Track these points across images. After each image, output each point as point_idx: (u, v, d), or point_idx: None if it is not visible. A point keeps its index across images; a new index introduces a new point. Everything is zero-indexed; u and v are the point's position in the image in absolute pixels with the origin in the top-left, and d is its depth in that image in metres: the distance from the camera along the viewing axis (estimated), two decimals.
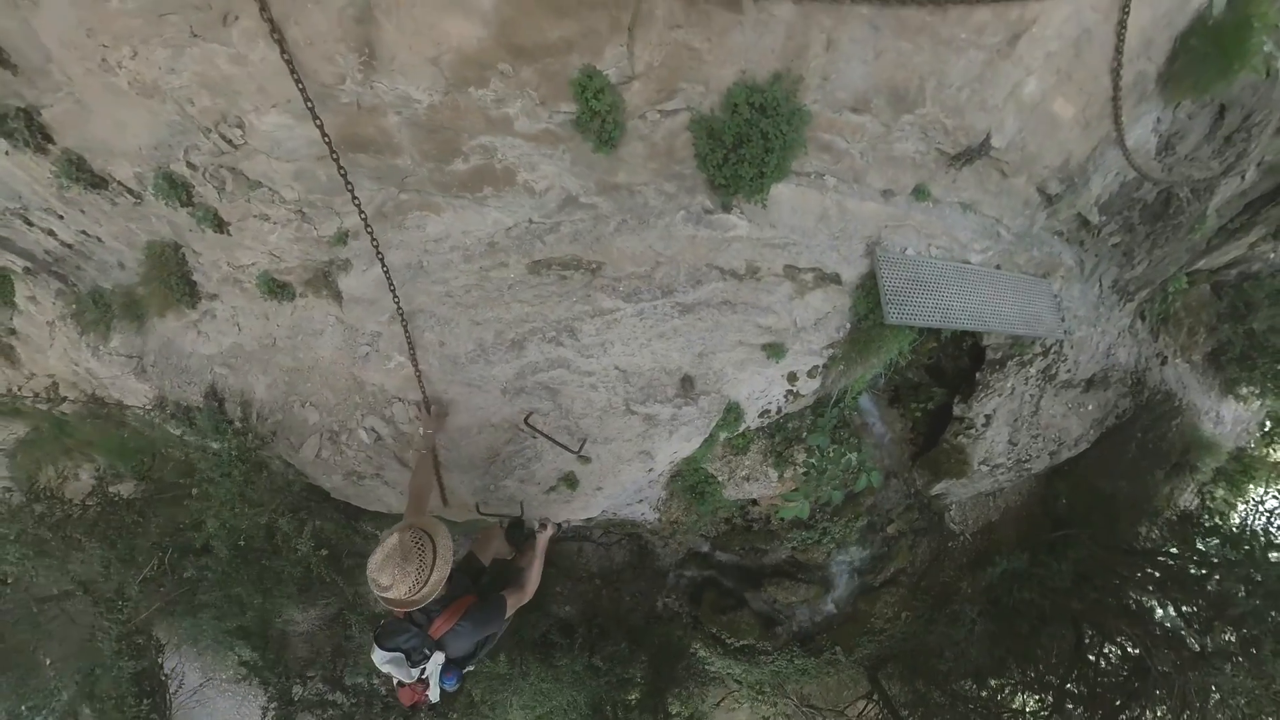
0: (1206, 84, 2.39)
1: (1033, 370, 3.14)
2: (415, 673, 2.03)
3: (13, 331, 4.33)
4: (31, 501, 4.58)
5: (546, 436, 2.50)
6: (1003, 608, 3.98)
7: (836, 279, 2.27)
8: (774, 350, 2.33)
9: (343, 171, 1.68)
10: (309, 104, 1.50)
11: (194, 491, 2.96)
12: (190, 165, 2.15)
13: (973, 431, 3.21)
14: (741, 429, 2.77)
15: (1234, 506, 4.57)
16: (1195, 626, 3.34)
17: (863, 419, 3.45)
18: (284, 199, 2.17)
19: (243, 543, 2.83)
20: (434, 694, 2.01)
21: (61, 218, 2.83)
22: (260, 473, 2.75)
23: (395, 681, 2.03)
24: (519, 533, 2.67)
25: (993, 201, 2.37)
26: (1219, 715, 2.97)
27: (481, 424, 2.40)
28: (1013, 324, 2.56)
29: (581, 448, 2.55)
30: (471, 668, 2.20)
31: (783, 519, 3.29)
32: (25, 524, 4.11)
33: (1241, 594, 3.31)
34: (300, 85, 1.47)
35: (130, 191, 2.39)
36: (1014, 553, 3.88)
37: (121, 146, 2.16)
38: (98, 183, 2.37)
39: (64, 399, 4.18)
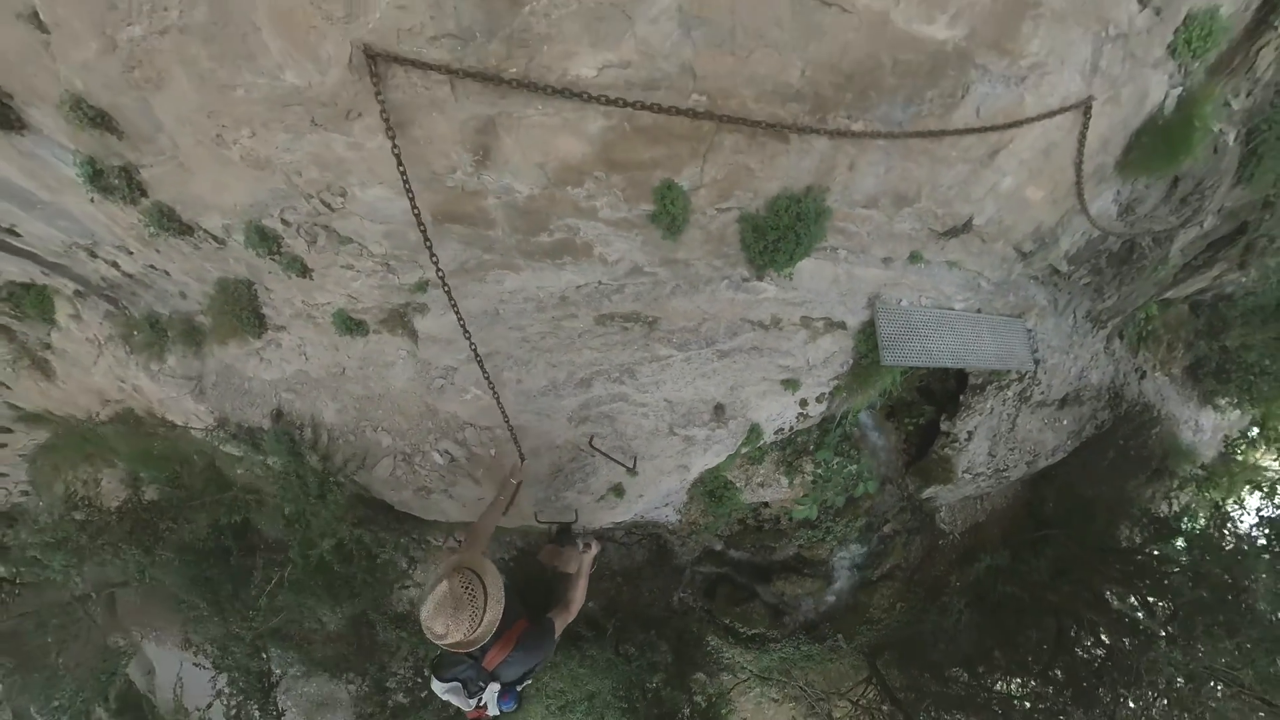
0: (1157, 168, 2.97)
1: (1009, 393, 3.70)
2: (473, 702, 2.10)
3: (48, 346, 4.64)
4: (70, 510, 5.00)
5: (606, 455, 3.00)
6: (988, 600, 4.54)
7: (843, 325, 2.82)
8: (791, 384, 2.88)
9: (428, 243, 1.85)
10: (409, 191, 1.70)
11: (286, 511, 3.29)
12: (284, 221, 2.42)
13: (957, 445, 3.77)
14: (759, 444, 3.29)
15: (1199, 511, 5.14)
16: (1155, 615, 3.90)
17: (863, 432, 4.00)
18: (372, 253, 2.52)
19: (327, 556, 3.21)
20: (493, 712, 2.13)
21: (131, 254, 3.08)
22: (340, 491, 3.14)
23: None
24: (566, 536, 3.10)
25: (975, 260, 2.91)
26: (1162, 689, 3.54)
27: (549, 445, 2.90)
28: (988, 360, 3.11)
29: (634, 465, 3.04)
30: (527, 683, 2.30)
31: (792, 519, 3.83)
32: (68, 532, 4.44)
33: (1190, 586, 3.88)
34: (405, 177, 1.67)
35: (215, 238, 2.64)
36: (998, 550, 4.45)
37: (217, 203, 2.40)
38: (184, 230, 2.61)
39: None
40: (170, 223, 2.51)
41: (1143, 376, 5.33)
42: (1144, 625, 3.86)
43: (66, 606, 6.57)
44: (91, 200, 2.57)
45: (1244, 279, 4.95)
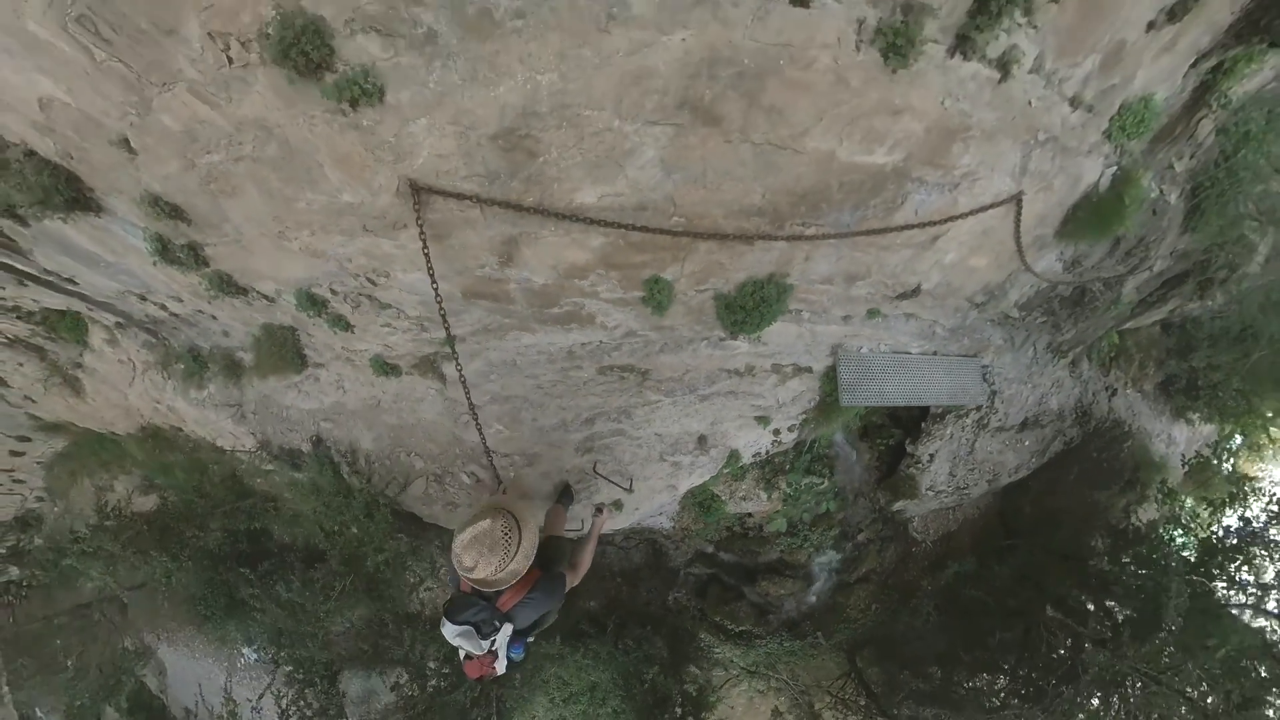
0: (1093, 237, 3.34)
1: (968, 421, 4.16)
2: (485, 644, 2.10)
3: (79, 365, 4.96)
4: (103, 520, 5.51)
5: (608, 479, 3.50)
6: (957, 604, 5.05)
7: (809, 370, 3.28)
8: (762, 420, 3.37)
9: (447, 326, 2.36)
10: (435, 289, 2.22)
11: (325, 527, 3.74)
12: (332, 291, 2.85)
13: (920, 466, 4.25)
14: (739, 465, 3.79)
15: (1168, 523, 5.58)
16: (1094, 621, 4.42)
17: (837, 451, 4.49)
18: (408, 315, 2.94)
19: (383, 569, 3.69)
20: (501, 665, 2.14)
21: (181, 301, 3.42)
22: (385, 511, 3.63)
23: (463, 655, 2.11)
24: (569, 497, 3.47)
25: (929, 312, 3.35)
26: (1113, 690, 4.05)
27: (559, 470, 3.41)
28: (941, 397, 3.57)
29: (631, 485, 3.54)
30: (533, 638, 2.34)
31: (768, 530, 4.34)
32: (103, 542, 4.90)
33: (1126, 595, 4.38)
34: (433, 278, 2.17)
35: (266, 298, 3.07)
36: (966, 558, 4.94)
37: (272, 274, 2.83)
38: (239, 292, 3.02)
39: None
40: (228, 286, 2.93)
41: (1113, 394, 5.77)
42: (1083, 631, 4.35)
43: (82, 610, 7.09)
44: (154, 264, 2.99)
45: (1210, 303, 5.37)
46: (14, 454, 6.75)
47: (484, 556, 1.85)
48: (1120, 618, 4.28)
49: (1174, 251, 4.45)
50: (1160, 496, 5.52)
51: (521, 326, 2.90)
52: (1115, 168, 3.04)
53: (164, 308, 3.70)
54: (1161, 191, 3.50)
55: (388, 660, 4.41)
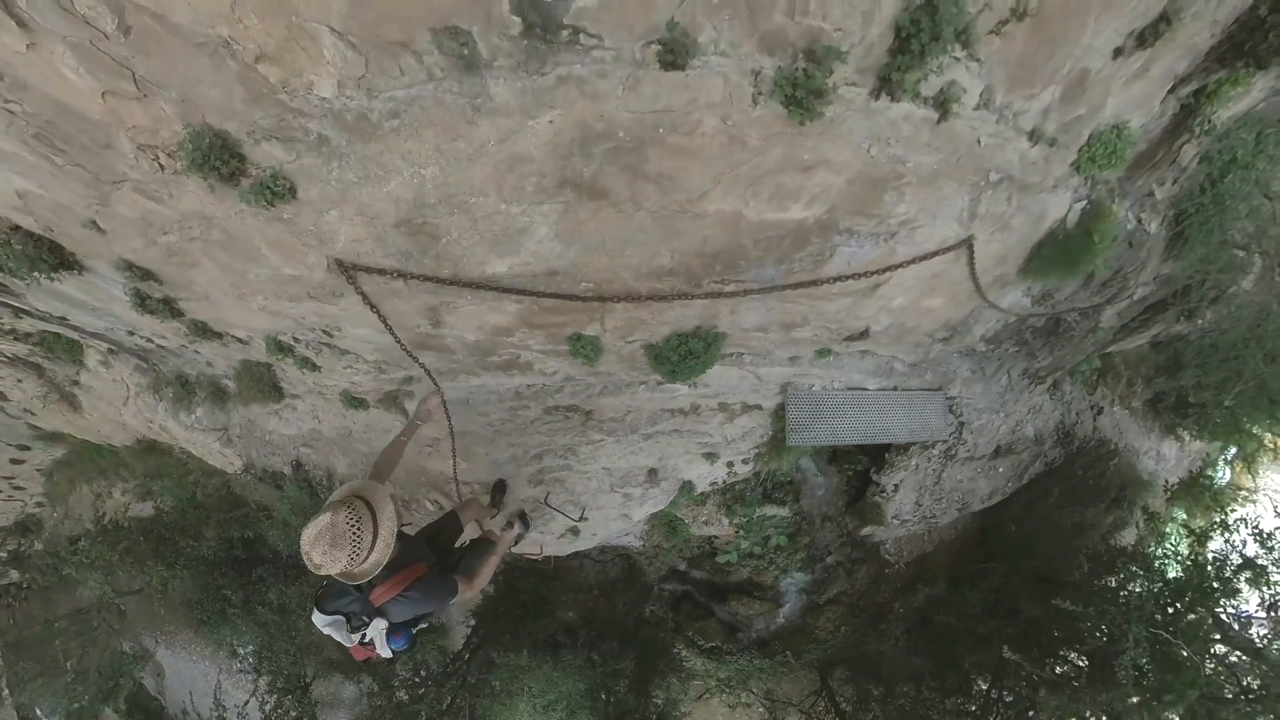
0: (1059, 277, 3.19)
1: (934, 452, 4.22)
2: (355, 638, 2.04)
3: (76, 383, 5.32)
4: (102, 531, 5.93)
5: (558, 510, 3.73)
6: (928, 627, 5.14)
7: (758, 407, 3.41)
8: (710, 457, 3.52)
9: (414, 356, 2.73)
10: (394, 336, 2.55)
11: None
12: (295, 339, 3.15)
13: (885, 495, 4.34)
14: (694, 495, 3.95)
15: (1143, 547, 5.55)
16: (1067, 660, 4.46)
17: (804, 476, 4.58)
18: (366, 360, 3.20)
19: None
20: (384, 652, 2.08)
21: (166, 339, 3.81)
22: None
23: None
24: (500, 496, 3.59)
25: (886, 349, 3.41)
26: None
27: (516, 500, 3.61)
28: (899, 435, 3.63)
29: (582, 515, 3.75)
30: (416, 630, 2.24)
31: (720, 561, 4.51)
32: (101, 552, 5.28)
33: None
34: (390, 330, 2.49)
35: (240, 341, 3.38)
36: (936, 581, 5.01)
37: (242, 324, 3.12)
38: (215, 336, 3.33)
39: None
40: (204, 332, 3.24)
41: (1099, 413, 5.70)
42: (1040, 675, 4.38)
43: (82, 614, 7.60)
44: (136, 312, 3.32)
45: (1199, 322, 5.25)
46: (14, 462, 7.29)
47: (329, 553, 1.73)
48: (1083, 661, 4.30)
49: (1157, 277, 4.36)
50: (1142, 520, 5.47)
51: (468, 371, 3.10)
52: (1085, 202, 2.95)
53: (151, 341, 4.04)
54: (1140, 221, 3.40)
55: (361, 669, 4.75)
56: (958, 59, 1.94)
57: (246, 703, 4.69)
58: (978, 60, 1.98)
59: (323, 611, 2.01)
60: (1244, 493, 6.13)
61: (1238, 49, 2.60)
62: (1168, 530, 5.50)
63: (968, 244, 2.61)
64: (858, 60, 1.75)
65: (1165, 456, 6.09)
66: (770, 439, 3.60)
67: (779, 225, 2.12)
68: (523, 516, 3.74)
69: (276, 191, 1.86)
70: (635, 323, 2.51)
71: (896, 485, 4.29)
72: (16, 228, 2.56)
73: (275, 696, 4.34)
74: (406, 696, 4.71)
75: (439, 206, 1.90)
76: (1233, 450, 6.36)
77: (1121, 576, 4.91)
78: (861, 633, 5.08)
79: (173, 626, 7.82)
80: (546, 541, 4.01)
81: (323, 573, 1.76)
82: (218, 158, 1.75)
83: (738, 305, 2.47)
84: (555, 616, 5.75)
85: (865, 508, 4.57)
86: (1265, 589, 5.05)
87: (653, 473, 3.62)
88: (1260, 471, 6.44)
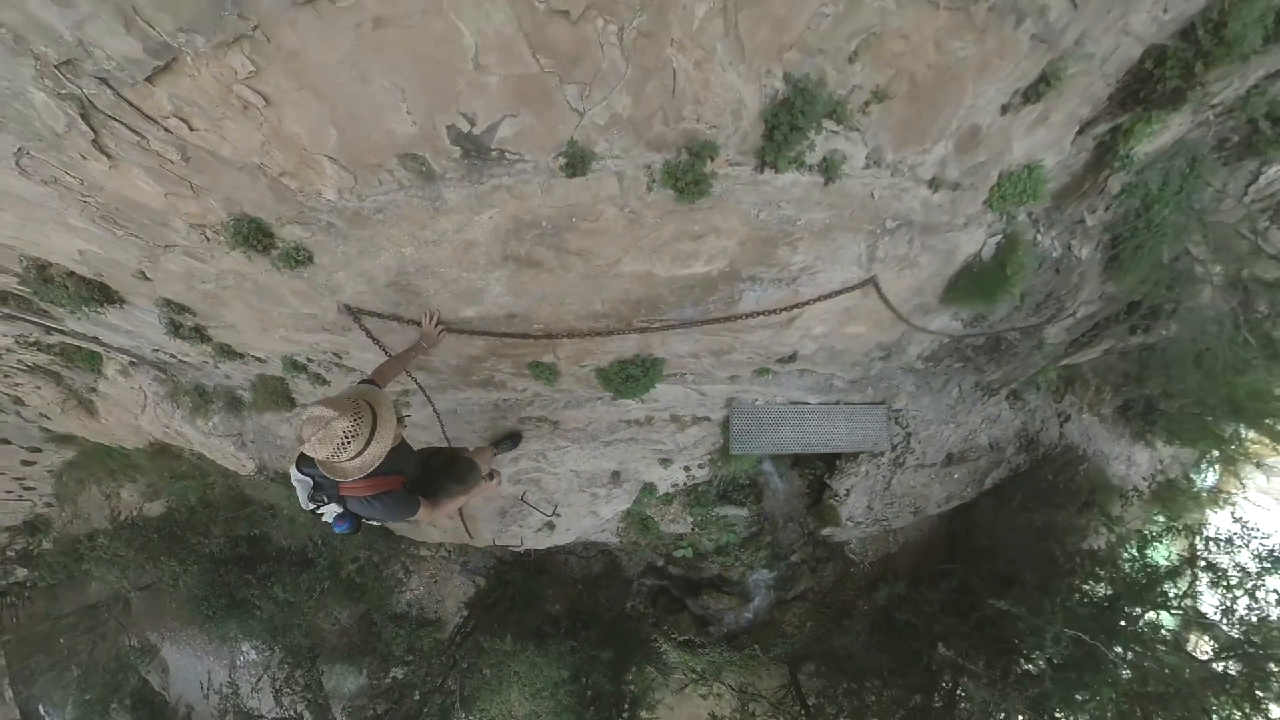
0: (979, 305, 3.60)
1: (883, 460, 4.85)
2: (311, 506, 2.35)
3: (93, 390, 6.03)
4: (118, 529, 6.76)
5: (533, 506, 4.47)
6: (892, 624, 5.79)
7: (707, 419, 4.09)
8: (665, 462, 4.22)
9: (410, 375, 3.51)
10: (413, 378, 3.32)
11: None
12: (309, 360, 3.91)
13: (838, 499, 4.98)
14: (660, 494, 4.65)
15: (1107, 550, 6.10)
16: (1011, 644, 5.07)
17: (766, 479, 5.25)
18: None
19: (356, 577, 4.81)
20: (328, 519, 2.37)
21: (190, 356, 4.62)
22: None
23: None
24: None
25: (823, 368, 4.04)
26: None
27: (497, 497, 4.36)
28: (839, 445, 4.27)
29: (554, 511, 4.49)
30: (374, 524, 2.49)
31: (676, 555, 5.22)
32: (118, 549, 6.08)
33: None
34: (390, 355, 3.23)
35: (259, 360, 4.15)
36: (895, 580, 5.65)
37: (262, 348, 3.89)
38: (237, 357, 4.10)
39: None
40: (228, 354, 4.02)
41: (1066, 420, 6.24)
42: (972, 668, 4.97)
43: (90, 610, 8.46)
44: (167, 335, 4.10)
45: (1165, 332, 5.75)
46: (25, 463, 7.95)
47: (315, 444, 2.01)
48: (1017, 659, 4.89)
49: (1102, 295, 4.89)
50: (1103, 524, 6.02)
51: (454, 387, 3.83)
52: (1000, 236, 3.28)
53: (174, 357, 4.84)
54: (1070, 248, 3.73)
55: (368, 653, 5.57)
56: (835, 132, 2.36)
57: (259, 679, 5.52)
58: (857, 130, 2.39)
59: (298, 470, 2.32)
60: (1225, 495, 6.62)
61: (1134, 96, 2.87)
62: (1124, 533, 6.03)
63: (872, 282, 3.10)
64: (736, 146, 2.25)
65: (1136, 462, 6.62)
66: (721, 447, 4.28)
67: (688, 278, 2.75)
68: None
69: (298, 259, 2.59)
70: (582, 353, 3.21)
71: (848, 490, 4.94)
72: (71, 274, 3.34)
73: (286, 670, 5.16)
74: (401, 674, 5.50)
75: (417, 273, 2.62)
76: (1215, 454, 6.83)
77: (1077, 579, 5.49)
78: (826, 628, 5.75)
79: (177, 623, 8.65)
80: (526, 535, 4.76)
81: (305, 449, 2.05)
82: (254, 236, 2.48)
83: (667, 338, 3.14)
84: (542, 609, 6.54)
85: (822, 510, 5.23)
86: (1225, 592, 5.60)
87: (616, 475, 4.34)
88: (1242, 475, 6.92)
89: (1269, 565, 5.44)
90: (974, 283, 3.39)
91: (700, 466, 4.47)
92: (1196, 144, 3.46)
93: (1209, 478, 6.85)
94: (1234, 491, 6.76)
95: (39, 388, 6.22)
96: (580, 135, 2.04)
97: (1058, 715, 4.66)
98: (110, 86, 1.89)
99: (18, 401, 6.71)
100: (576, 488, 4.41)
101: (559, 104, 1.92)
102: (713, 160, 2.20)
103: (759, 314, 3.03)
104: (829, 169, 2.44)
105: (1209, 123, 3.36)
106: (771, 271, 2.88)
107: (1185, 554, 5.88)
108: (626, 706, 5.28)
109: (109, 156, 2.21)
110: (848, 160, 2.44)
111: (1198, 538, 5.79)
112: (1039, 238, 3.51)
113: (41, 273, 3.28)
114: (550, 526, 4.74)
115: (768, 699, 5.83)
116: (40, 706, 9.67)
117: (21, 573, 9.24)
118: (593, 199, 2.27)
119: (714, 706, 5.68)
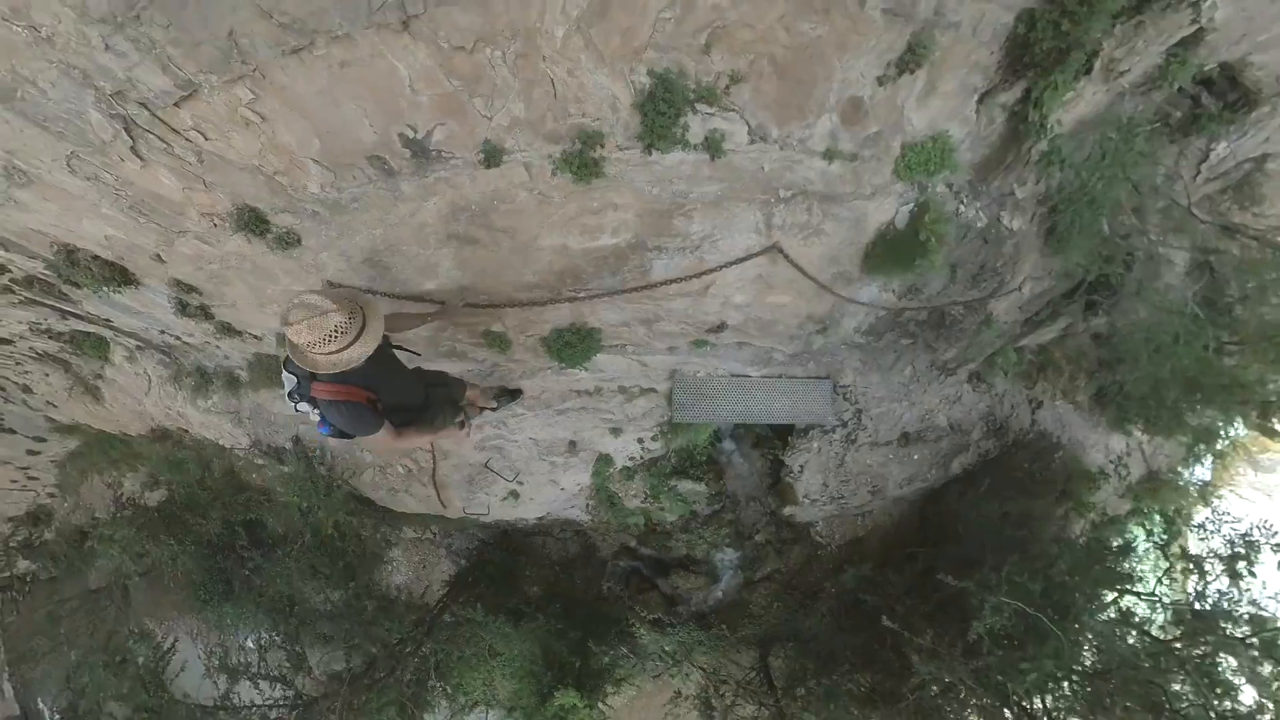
0: (898, 273, 3.99)
1: (836, 436, 5.55)
2: (290, 405, 2.86)
3: (99, 377, 7.03)
4: (120, 509, 7.74)
5: (496, 473, 5.31)
6: (861, 607, 6.43)
7: (653, 390, 4.88)
8: (616, 431, 5.01)
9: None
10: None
11: (301, 506, 5.79)
12: None
13: (793, 475, 5.69)
14: (619, 467, 5.45)
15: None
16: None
17: (728, 459, 6.00)
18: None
19: (331, 532, 5.72)
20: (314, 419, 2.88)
21: (193, 336, 5.65)
22: (339, 490, 5.64)
23: None
24: (506, 399, 4.89)
25: (761, 340, 4.78)
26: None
27: (464, 464, 5.22)
28: (780, 417, 5.01)
29: (516, 478, 5.32)
30: (350, 438, 2.96)
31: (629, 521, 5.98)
32: (120, 528, 7.03)
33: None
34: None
35: (256, 337, 5.12)
36: (860, 563, 6.31)
37: (259, 324, 4.83)
38: (236, 334, 5.07)
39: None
40: (228, 331, 4.99)
41: (1038, 407, 6.80)
42: (919, 640, 5.54)
43: (91, 595, 9.43)
44: (175, 315, 5.10)
45: (1133, 317, 6.31)
46: (30, 453, 9.06)
47: (299, 328, 2.36)
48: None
49: (1051, 272, 5.43)
50: (1077, 512, 6.56)
51: (426, 359, 4.72)
52: (912, 205, 3.65)
53: (178, 338, 5.86)
54: (1000, 219, 4.01)
55: (354, 634, 6.38)
56: (711, 114, 2.82)
57: (246, 638, 6.40)
58: (733, 110, 2.85)
59: (286, 369, 2.82)
60: (1214, 490, 7.05)
61: (1019, 61, 3.09)
62: (1098, 519, 6.56)
63: (776, 248, 3.57)
64: (621, 134, 2.85)
65: (1114, 451, 7.14)
66: (669, 419, 5.06)
67: (599, 249, 3.53)
68: (507, 393, 4.90)
69: (289, 241, 3.51)
70: (525, 322, 4.06)
71: (802, 466, 5.64)
72: (96, 257, 4.32)
73: (269, 626, 6.04)
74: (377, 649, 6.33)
75: (386, 251, 3.51)
76: (1203, 447, 7.28)
77: (1040, 563, 6.03)
78: (793, 610, 6.43)
79: (175, 612, 9.68)
80: (492, 503, 5.61)
81: (286, 333, 2.40)
82: (253, 223, 3.40)
83: (595, 307, 3.95)
84: (520, 590, 7.36)
85: (782, 488, 5.94)
86: (1198, 578, 6.11)
87: (572, 444, 5.16)
88: (1234, 471, 7.36)
89: (1240, 550, 5.93)
90: (890, 250, 3.78)
91: (653, 439, 5.25)
92: (1131, 118, 3.73)
93: (1198, 471, 7.31)
94: (1225, 486, 7.20)
95: (48, 375, 7.29)
96: (492, 135, 2.88)
97: (1007, 687, 5.24)
98: (148, 109, 2.80)
99: (26, 390, 7.79)
100: (536, 456, 5.24)
101: (472, 113, 2.76)
102: (602, 147, 2.90)
103: (672, 281, 3.70)
104: (712, 147, 2.95)
105: (1125, 91, 3.61)
106: (675, 241, 3.57)
107: (1161, 540, 6.38)
108: (586, 675, 6.04)
109: (141, 159, 3.13)
110: (729, 138, 2.95)
111: (1173, 525, 6.28)
112: (961, 208, 3.82)
113: (70, 256, 4.23)
114: (515, 496, 5.57)
115: (736, 681, 6.53)
116: (39, 701, 10.73)
117: (24, 565, 10.29)
118: (508, 185, 3.11)
119: (680, 685, 6.40)
